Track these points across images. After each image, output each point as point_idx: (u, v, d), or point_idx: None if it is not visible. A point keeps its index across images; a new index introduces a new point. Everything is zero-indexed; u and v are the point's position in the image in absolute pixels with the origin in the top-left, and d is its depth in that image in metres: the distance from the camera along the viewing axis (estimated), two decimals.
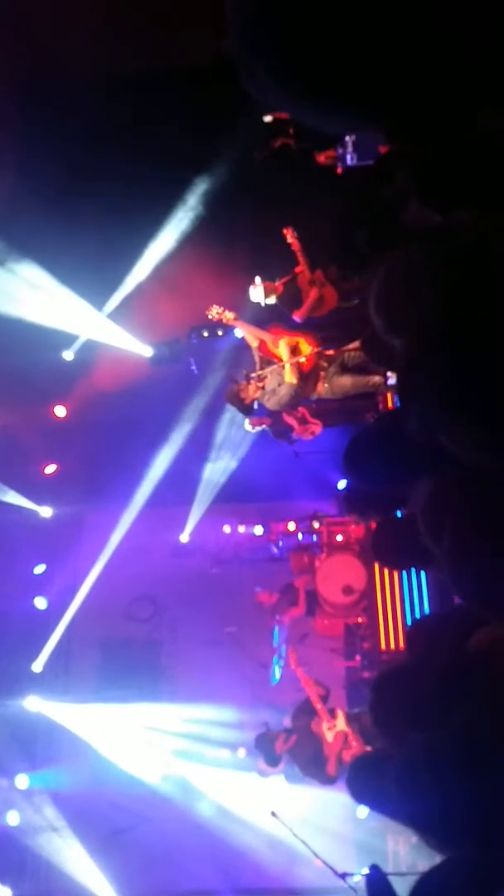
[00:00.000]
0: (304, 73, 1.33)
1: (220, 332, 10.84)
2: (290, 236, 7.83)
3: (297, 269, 7.94)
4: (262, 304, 8.06)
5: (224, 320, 7.91)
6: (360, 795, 2.46)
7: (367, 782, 2.41)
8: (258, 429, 8.20)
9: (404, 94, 1.28)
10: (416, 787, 2.12)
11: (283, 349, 7.54)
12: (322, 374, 7.72)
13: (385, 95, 1.29)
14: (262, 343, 7.82)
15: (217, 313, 7.88)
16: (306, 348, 7.59)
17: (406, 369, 1.78)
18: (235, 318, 7.90)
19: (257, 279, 7.91)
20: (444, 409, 1.60)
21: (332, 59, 1.27)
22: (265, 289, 7.88)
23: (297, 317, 8.04)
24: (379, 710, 2.50)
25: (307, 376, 7.58)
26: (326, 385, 7.79)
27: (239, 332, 8.45)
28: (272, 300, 7.94)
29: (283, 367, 7.55)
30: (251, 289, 7.93)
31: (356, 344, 7.60)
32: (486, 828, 2.01)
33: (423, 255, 1.87)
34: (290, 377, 7.42)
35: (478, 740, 2.00)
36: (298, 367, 7.44)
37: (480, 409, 1.54)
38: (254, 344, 7.92)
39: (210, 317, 7.98)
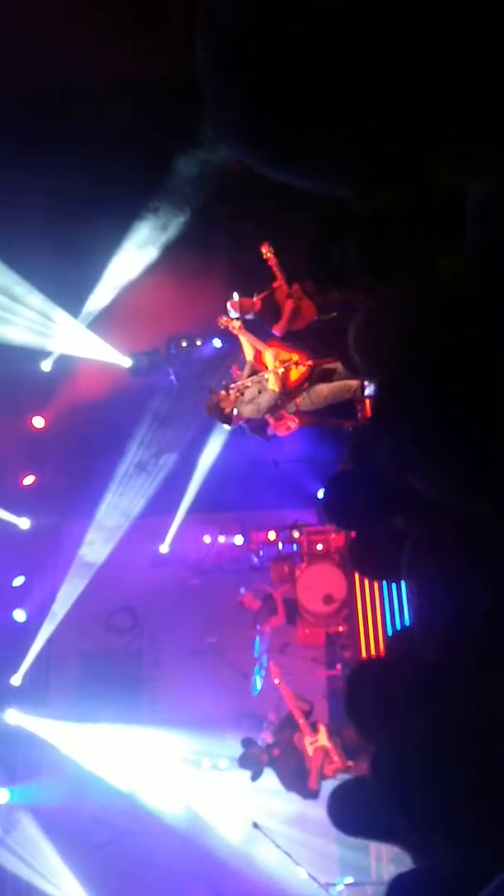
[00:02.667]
0: (272, 134, 1.29)
1: (198, 342, 10.85)
2: (266, 251, 7.85)
3: (275, 284, 7.97)
4: (239, 318, 8.08)
5: (231, 329, 7.90)
6: (339, 824, 2.46)
7: (343, 809, 2.41)
8: (236, 424, 8.18)
9: (378, 150, 1.27)
10: (391, 784, 2.12)
11: (269, 358, 7.56)
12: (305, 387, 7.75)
13: (356, 151, 1.28)
14: (258, 354, 7.84)
15: (226, 321, 7.88)
16: (298, 368, 7.58)
17: (380, 411, 1.76)
18: (241, 328, 7.89)
19: (235, 295, 7.94)
20: (420, 453, 1.59)
21: (304, 120, 1.26)
22: (242, 305, 7.92)
23: (276, 330, 8.07)
24: (353, 697, 2.50)
25: (290, 391, 7.59)
26: (304, 395, 7.82)
27: (236, 343, 8.42)
28: (250, 316, 7.97)
29: (267, 376, 7.55)
30: (229, 307, 7.96)
31: (333, 363, 7.64)
32: (464, 825, 2.01)
33: (398, 296, 1.88)
34: (273, 385, 7.44)
35: (448, 737, 2.01)
36: (283, 378, 7.45)
37: (459, 451, 1.53)
38: (249, 356, 7.91)
39: (220, 324, 7.96)
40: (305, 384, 7.64)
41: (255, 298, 8.00)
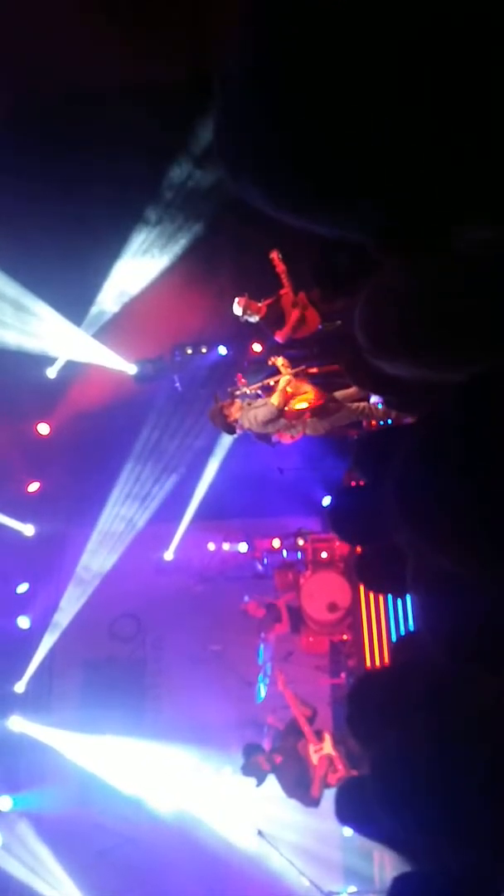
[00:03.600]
0: (292, 193, 1.32)
1: (203, 350, 10.87)
2: (276, 259, 7.83)
3: (282, 292, 7.93)
4: (243, 321, 8.08)
5: (276, 365, 7.65)
6: (345, 818, 2.46)
7: (350, 804, 2.41)
8: (239, 432, 8.11)
9: (400, 204, 1.28)
10: (391, 792, 2.12)
11: (283, 381, 7.38)
12: (306, 419, 7.60)
13: (377, 203, 1.29)
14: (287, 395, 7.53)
15: (272, 361, 7.59)
16: (307, 397, 7.42)
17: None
18: (285, 365, 7.65)
19: (244, 296, 7.93)
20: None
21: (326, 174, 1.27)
22: (248, 307, 7.91)
23: (279, 337, 8.04)
24: (355, 707, 2.50)
25: (290, 414, 7.45)
26: (309, 422, 7.63)
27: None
28: (254, 319, 7.96)
29: (274, 391, 7.43)
30: (235, 304, 7.95)
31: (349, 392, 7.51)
32: (467, 837, 2.01)
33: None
34: (275, 399, 7.33)
35: (450, 746, 2.01)
36: (287, 398, 7.34)
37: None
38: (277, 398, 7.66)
39: (269, 363, 7.74)
40: (308, 414, 7.52)
41: (260, 304, 8.00)
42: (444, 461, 1.52)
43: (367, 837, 2.48)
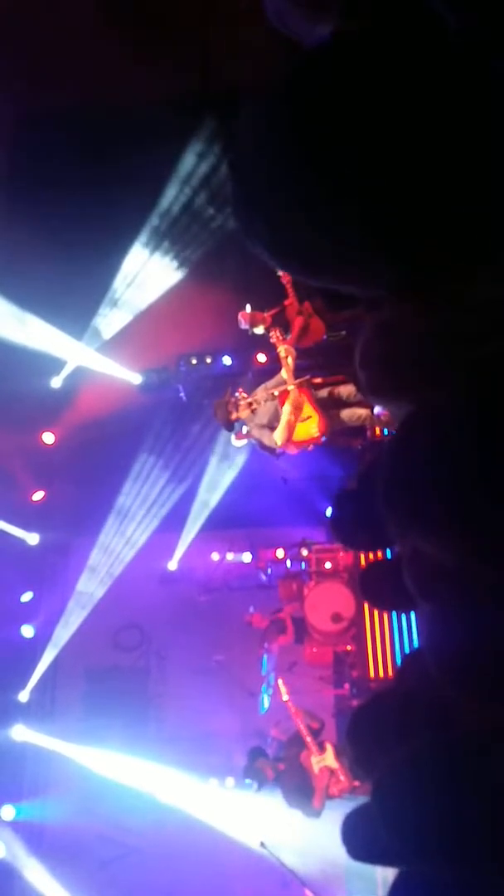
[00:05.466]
0: (297, 265, 1.38)
1: (208, 360, 10.89)
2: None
3: (287, 301, 7.89)
4: (250, 333, 8.08)
5: (279, 353, 7.68)
6: (357, 853, 2.42)
7: (359, 835, 2.37)
8: (244, 442, 8.14)
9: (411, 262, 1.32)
10: (399, 811, 2.09)
11: (289, 405, 7.41)
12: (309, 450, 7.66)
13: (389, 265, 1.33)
14: (286, 393, 7.55)
15: (276, 340, 7.65)
16: (310, 428, 7.46)
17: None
18: (287, 356, 7.68)
19: (248, 307, 7.92)
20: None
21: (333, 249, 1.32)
22: (254, 318, 7.89)
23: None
24: (353, 731, 2.47)
25: (293, 445, 7.50)
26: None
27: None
28: (260, 330, 7.94)
29: (280, 418, 7.45)
30: (240, 318, 7.94)
31: (349, 387, 7.56)
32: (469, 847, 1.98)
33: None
34: (280, 437, 7.36)
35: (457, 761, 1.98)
36: (291, 431, 7.38)
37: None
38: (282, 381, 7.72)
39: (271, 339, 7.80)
40: (311, 447, 7.55)
41: (265, 314, 7.97)
42: (450, 441, 1.50)
43: (380, 864, 2.45)
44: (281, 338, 7.46)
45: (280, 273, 7.81)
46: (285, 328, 7.89)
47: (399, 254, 1.31)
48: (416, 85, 1.20)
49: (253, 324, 7.91)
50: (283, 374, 7.55)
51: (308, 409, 7.42)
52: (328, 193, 1.25)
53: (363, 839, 2.29)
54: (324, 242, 1.32)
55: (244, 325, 7.93)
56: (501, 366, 1.52)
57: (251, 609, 10.23)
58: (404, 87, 1.20)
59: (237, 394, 7.76)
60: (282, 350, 7.51)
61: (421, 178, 1.21)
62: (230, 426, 7.70)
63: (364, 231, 1.28)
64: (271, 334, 7.54)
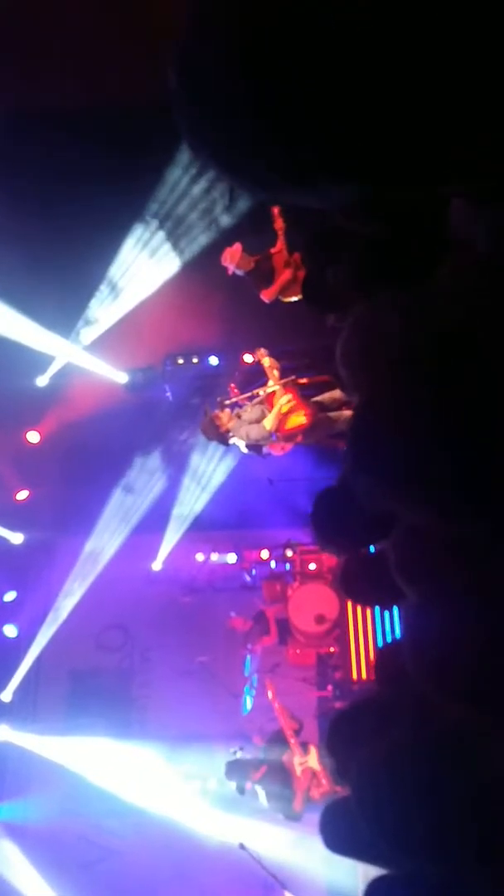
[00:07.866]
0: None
1: (194, 360, 10.88)
2: (275, 213, 7.53)
3: (275, 249, 7.62)
4: (230, 273, 7.77)
5: (262, 364, 7.67)
6: (333, 844, 2.41)
7: (337, 827, 2.37)
8: (231, 442, 8.08)
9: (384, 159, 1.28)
10: (378, 807, 2.08)
11: (278, 399, 7.41)
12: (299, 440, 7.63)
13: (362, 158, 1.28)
14: (272, 395, 7.56)
15: (260, 355, 7.67)
16: (299, 417, 7.44)
17: (365, 430, 1.69)
18: (272, 366, 7.66)
19: (237, 245, 7.64)
20: (416, 473, 1.55)
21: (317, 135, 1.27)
22: (241, 259, 7.58)
23: (265, 296, 7.73)
24: (332, 740, 2.46)
25: (283, 436, 7.48)
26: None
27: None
28: (241, 272, 7.66)
29: (270, 410, 7.44)
30: (226, 252, 7.65)
31: (334, 393, 7.55)
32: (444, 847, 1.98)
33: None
34: (270, 423, 7.34)
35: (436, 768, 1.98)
36: (281, 421, 7.35)
37: (458, 468, 1.49)
38: (269, 389, 7.69)
39: (255, 357, 7.78)
40: (300, 437, 7.51)
41: (251, 257, 7.64)
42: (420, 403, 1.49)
43: (355, 859, 2.42)
44: (274, 367, 7.51)
45: (274, 217, 7.60)
46: (269, 276, 7.63)
47: (351, 165, 1.27)
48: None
49: (238, 265, 7.63)
50: (270, 384, 7.54)
51: (296, 403, 7.43)
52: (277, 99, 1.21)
53: (341, 830, 2.28)
54: (278, 150, 1.28)
55: (227, 263, 7.66)
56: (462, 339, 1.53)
57: (232, 614, 10.21)
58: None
59: (217, 400, 7.72)
60: (266, 361, 7.50)
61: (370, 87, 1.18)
62: (225, 440, 7.62)
63: (317, 141, 1.24)
64: (265, 362, 7.56)
